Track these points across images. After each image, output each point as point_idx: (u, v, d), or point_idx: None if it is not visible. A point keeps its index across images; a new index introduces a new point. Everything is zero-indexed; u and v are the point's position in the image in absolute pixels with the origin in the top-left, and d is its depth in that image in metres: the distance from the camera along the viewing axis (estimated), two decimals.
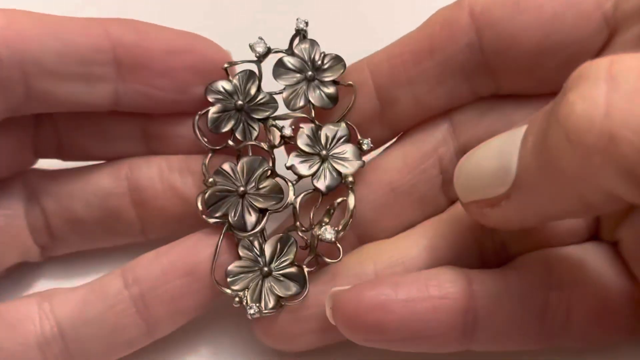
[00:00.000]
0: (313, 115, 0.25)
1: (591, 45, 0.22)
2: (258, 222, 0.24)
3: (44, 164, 0.26)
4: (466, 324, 0.22)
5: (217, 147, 0.25)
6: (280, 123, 0.25)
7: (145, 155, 0.26)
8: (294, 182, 0.25)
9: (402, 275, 0.23)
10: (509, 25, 0.23)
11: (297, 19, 0.25)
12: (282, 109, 0.25)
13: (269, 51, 0.25)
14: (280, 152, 0.25)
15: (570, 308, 0.22)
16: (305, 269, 0.24)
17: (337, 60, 0.25)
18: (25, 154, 0.26)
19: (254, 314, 0.23)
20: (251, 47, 0.25)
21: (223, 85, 0.25)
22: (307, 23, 0.25)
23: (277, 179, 0.24)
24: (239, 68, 0.25)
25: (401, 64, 0.24)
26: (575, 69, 0.22)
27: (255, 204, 0.24)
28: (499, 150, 0.20)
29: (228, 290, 0.24)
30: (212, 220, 0.24)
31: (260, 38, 0.25)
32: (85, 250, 0.26)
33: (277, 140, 0.25)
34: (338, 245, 0.24)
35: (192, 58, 0.24)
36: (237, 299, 0.24)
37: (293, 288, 0.24)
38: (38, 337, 0.23)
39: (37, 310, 0.23)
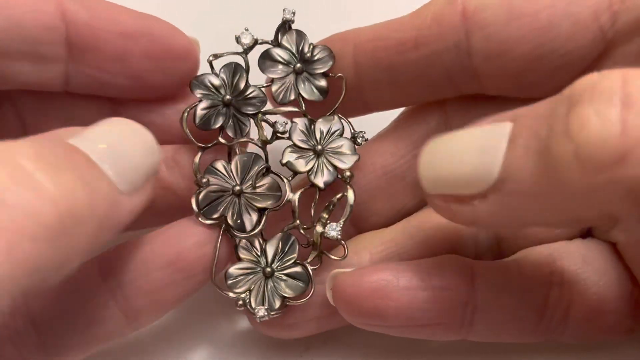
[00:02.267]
0: (303, 108, 0.24)
1: (585, 56, 0.22)
2: (258, 222, 0.23)
3: None
4: (465, 316, 0.22)
5: (208, 145, 0.24)
6: (271, 118, 0.24)
7: None
8: (290, 179, 0.24)
9: (405, 262, 0.23)
10: (502, 31, 0.22)
11: (284, 9, 0.24)
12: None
13: (255, 42, 0.24)
14: (272, 148, 0.24)
15: (570, 305, 0.23)
16: (310, 267, 0.23)
17: (327, 51, 0.24)
18: None
19: (263, 316, 0.23)
20: (237, 38, 0.24)
21: (210, 79, 0.24)
22: (294, 13, 0.24)
23: (273, 176, 0.24)
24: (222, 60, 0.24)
25: (384, 49, 0.23)
26: (568, 75, 0.21)
27: (254, 203, 0.23)
28: (481, 146, 0.18)
29: (231, 294, 0.23)
30: (208, 222, 0.23)
31: (246, 29, 0.24)
32: None
33: (269, 136, 0.24)
34: (343, 243, 0.23)
35: (149, 43, 0.23)
36: (240, 302, 0.23)
37: (298, 287, 0.23)
38: (11, 331, 0.21)
39: (9, 304, 0.21)
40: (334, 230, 0.23)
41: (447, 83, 0.23)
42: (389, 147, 0.25)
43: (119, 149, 0.19)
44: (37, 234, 0.15)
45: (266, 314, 0.23)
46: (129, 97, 0.24)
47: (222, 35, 0.24)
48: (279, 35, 0.25)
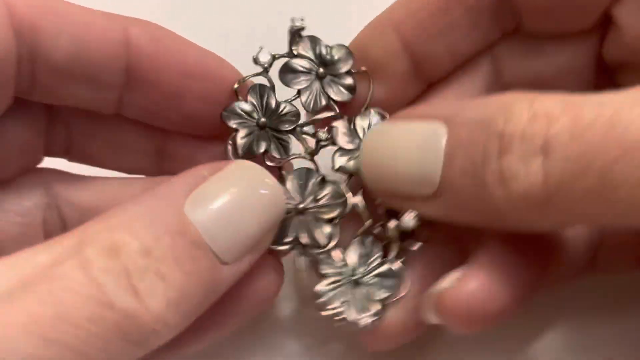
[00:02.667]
0: (337, 111, 0.24)
1: None
2: (333, 233, 0.23)
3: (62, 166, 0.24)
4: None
5: None
6: (310, 129, 0.24)
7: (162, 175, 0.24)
8: (346, 183, 0.23)
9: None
10: None
11: (292, 18, 0.24)
12: None
13: (273, 59, 0.24)
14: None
15: (603, 241, 0.23)
16: (398, 262, 0.23)
17: (344, 49, 0.24)
18: (35, 151, 0.23)
19: (366, 325, 0.22)
20: (255, 59, 0.24)
21: (241, 106, 0.23)
22: (302, 20, 0.24)
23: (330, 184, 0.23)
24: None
25: (428, 17, 0.23)
26: (596, 10, 0.22)
27: (322, 216, 0.23)
28: (418, 158, 0.20)
29: (327, 312, 0.22)
30: (281, 248, 0.22)
31: (262, 47, 0.24)
32: None
33: (314, 147, 0.24)
34: (421, 229, 0.23)
35: (207, 85, 0.22)
36: (339, 318, 0.22)
37: (392, 285, 0.23)
38: None
39: None
40: (411, 220, 0.22)
41: (494, 25, 0.23)
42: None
43: (236, 213, 0.19)
44: (133, 338, 0.17)
45: (370, 321, 0.22)
46: (179, 131, 0.24)
47: (223, 35, 0.24)
48: (292, 45, 0.24)
